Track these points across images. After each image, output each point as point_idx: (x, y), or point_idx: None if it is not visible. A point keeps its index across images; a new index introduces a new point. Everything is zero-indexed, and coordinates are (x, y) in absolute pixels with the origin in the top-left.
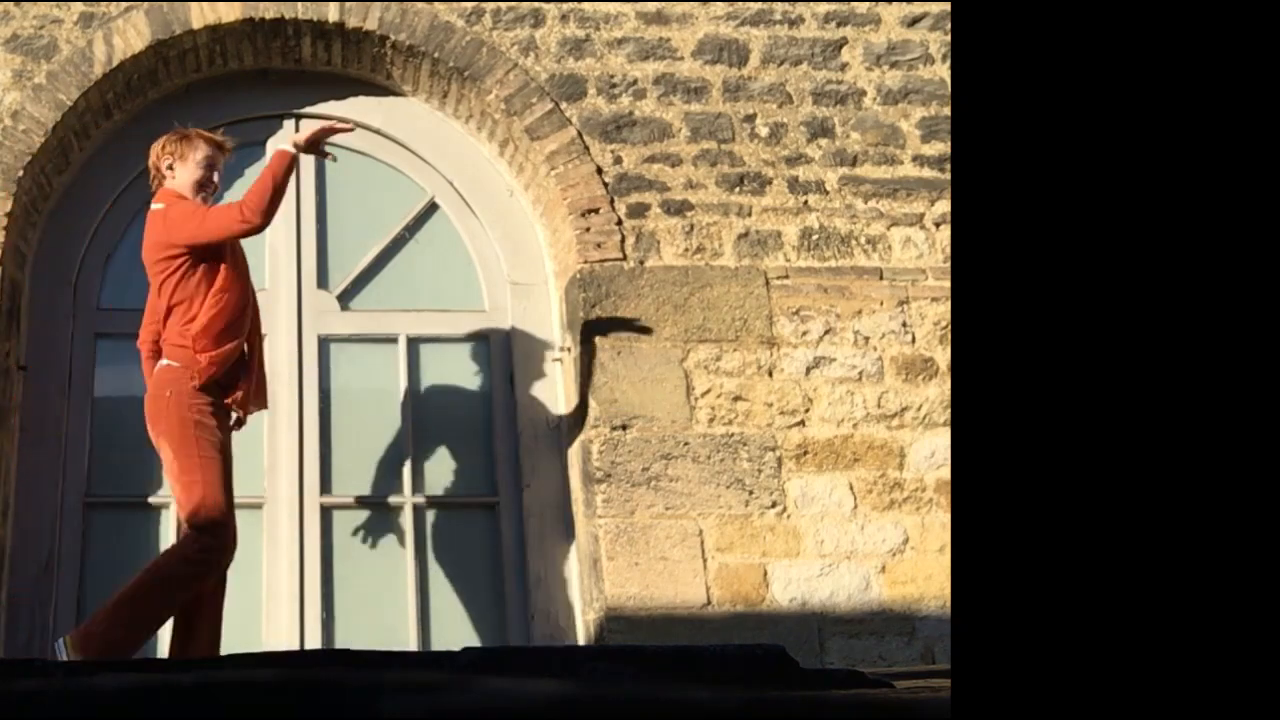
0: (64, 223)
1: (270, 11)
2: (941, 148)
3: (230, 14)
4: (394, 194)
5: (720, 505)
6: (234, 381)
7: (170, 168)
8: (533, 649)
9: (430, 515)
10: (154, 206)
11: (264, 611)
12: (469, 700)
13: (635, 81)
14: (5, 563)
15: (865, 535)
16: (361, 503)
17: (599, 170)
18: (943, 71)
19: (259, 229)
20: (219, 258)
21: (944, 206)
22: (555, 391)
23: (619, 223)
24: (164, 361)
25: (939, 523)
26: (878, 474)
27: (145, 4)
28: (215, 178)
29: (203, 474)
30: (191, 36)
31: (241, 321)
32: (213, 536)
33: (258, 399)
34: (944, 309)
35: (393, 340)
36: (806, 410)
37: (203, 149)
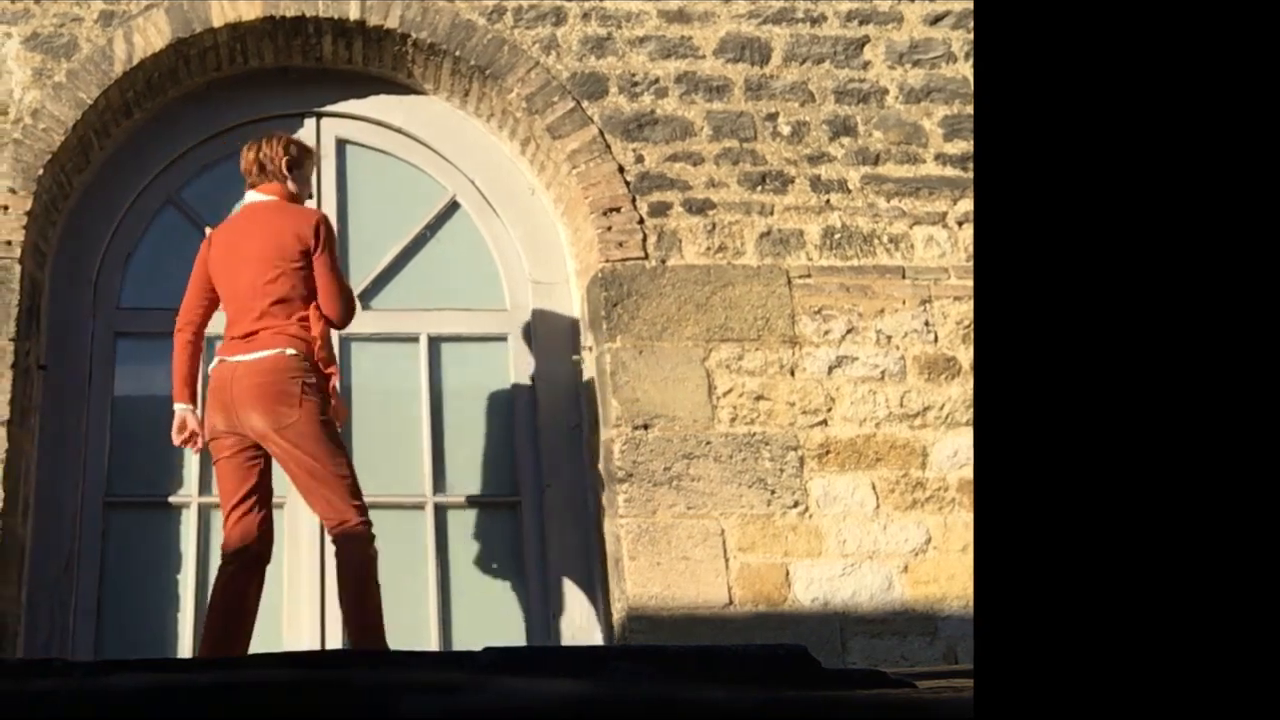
0: (84, 222)
1: (291, 9)
2: (964, 146)
3: (251, 12)
4: (415, 193)
5: (742, 505)
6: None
7: (292, 171)
8: (554, 649)
9: (451, 515)
10: (286, 202)
11: (285, 611)
12: (487, 700)
13: (657, 80)
14: (25, 562)
15: (888, 535)
16: (382, 502)
17: (621, 169)
18: (965, 70)
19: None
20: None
21: (966, 205)
22: (577, 391)
23: (641, 221)
24: (282, 350)
25: (961, 522)
26: (900, 473)
27: (166, 2)
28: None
29: (346, 458)
30: (212, 35)
31: None
32: (367, 515)
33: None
34: (966, 308)
35: (414, 339)
36: (829, 410)
37: (313, 170)
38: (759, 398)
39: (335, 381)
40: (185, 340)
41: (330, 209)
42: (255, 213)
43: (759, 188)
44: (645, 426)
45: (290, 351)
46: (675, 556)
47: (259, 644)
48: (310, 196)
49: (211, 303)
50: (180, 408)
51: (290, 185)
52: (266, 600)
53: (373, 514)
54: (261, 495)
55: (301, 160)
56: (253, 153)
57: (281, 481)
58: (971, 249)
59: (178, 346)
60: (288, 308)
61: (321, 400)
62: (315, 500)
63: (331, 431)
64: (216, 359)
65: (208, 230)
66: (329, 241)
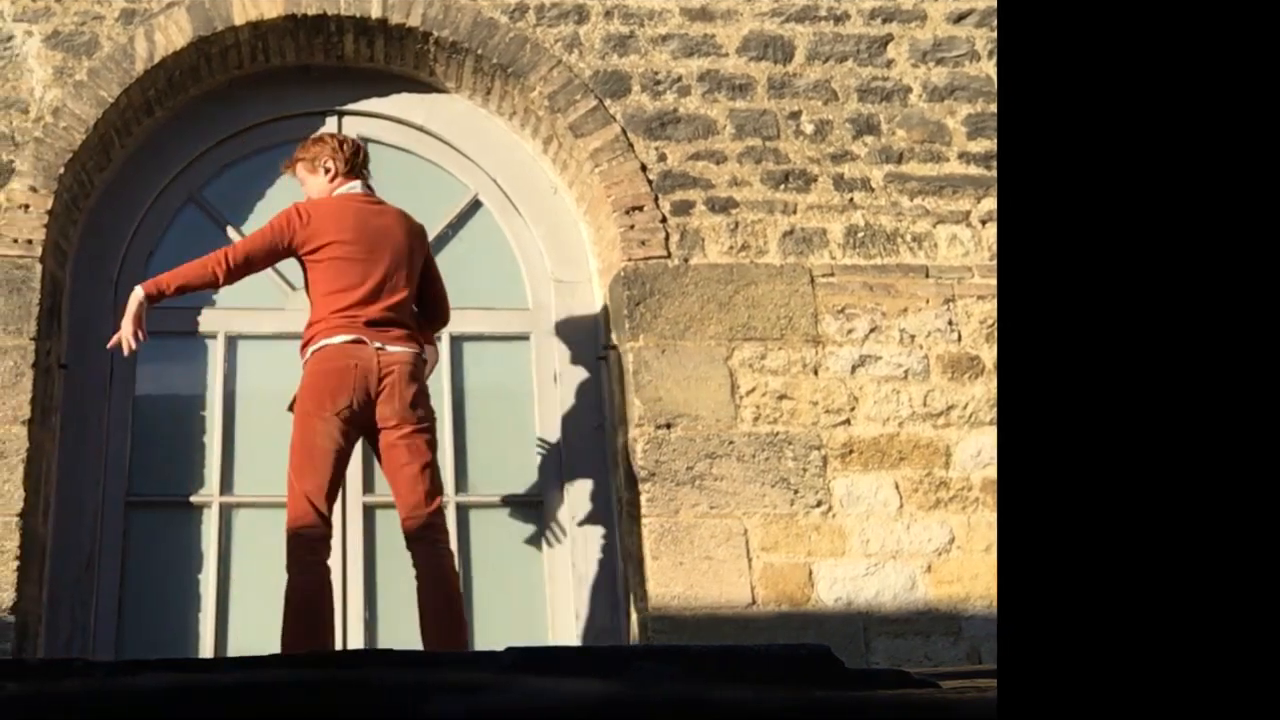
0: (105, 220)
1: (313, 8)
2: (988, 145)
3: (272, 10)
4: (437, 191)
5: (765, 504)
6: None
7: (331, 171)
8: (576, 649)
9: (474, 514)
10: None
11: None
12: (511, 700)
13: (680, 78)
14: (46, 562)
15: (911, 535)
16: None
17: (643, 167)
18: (989, 68)
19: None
20: None
21: (990, 204)
22: (599, 390)
23: (663, 220)
24: (420, 352)
25: (985, 522)
26: (923, 473)
27: (187, 0)
28: None
29: None
30: (233, 33)
31: None
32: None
33: None
34: (990, 307)
35: (436, 338)
36: (852, 409)
37: None
38: (782, 397)
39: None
40: (220, 269)
41: None
42: (373, 205)
43: (782, 186)
44: (668, 426)
45: (424, 357)
46: (698, 556)
47: (277, 645)
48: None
49: (260, 267)
50: (141, 293)
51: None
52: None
53: (394, 513)
54: None
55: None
56: (351, 148)
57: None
58: (995, 248)
59: (210, 263)
60: (410, 312)
61: None
62: (417, 493)
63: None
64: (347, 336)
65: (307, 213)
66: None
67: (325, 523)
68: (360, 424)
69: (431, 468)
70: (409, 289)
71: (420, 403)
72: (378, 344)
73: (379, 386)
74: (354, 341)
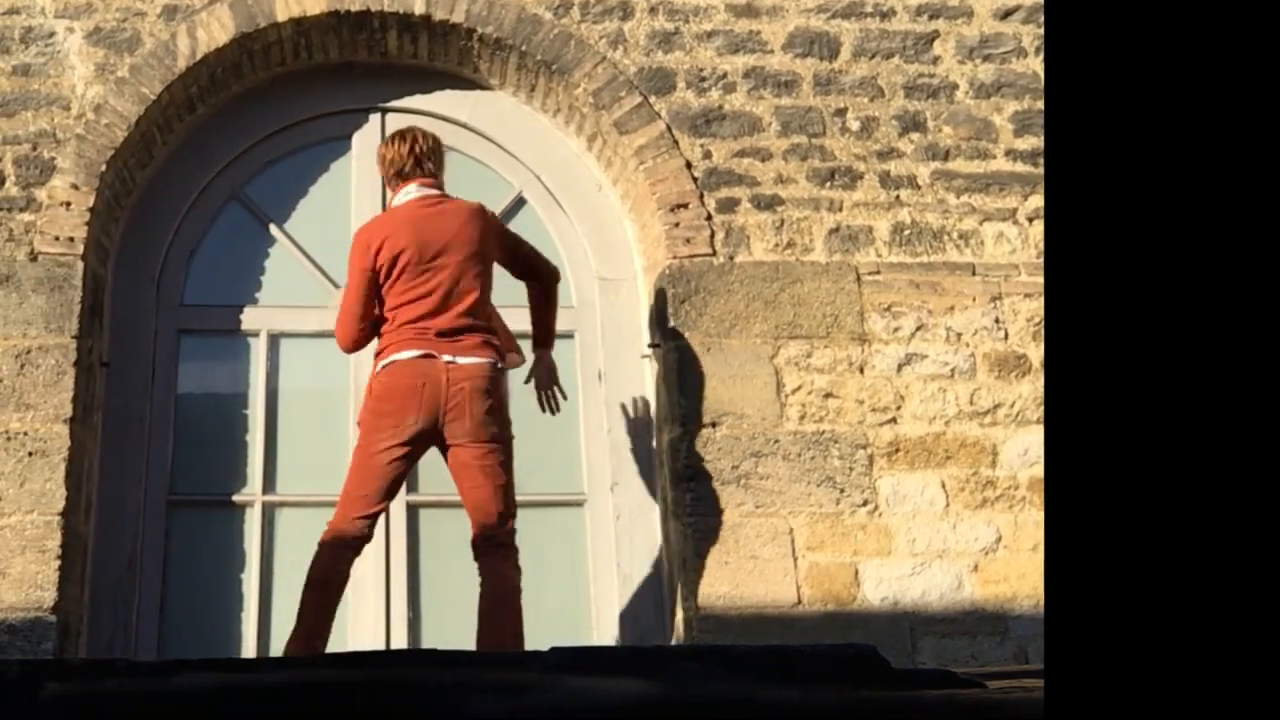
0: (147, 218)
1: (356, 4)
2: (1035, 142)
3: (315, 7)
4: (481, 189)
5: (811, 503)
6: None
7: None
8: (620, 649)
9: (518, 514)
10: (452, 197)
11: (350, 611)
12: (554, 700)
13: (725, 75)
14: (87, 561)
15: (957, 534)
16: (448, 501)
17: (688, 165)
18: (1036, 65)
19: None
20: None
21: (1037, 201)
22: (644, 388)
23: (708, 218)
24: (493, 361)
25: (1032, 521)
26: (970, 472)
27: None
28: None
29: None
30: (276, 29)
31: None
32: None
33: None
34: (1037, 305)
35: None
36: (898, 407)
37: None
38: (828, 395)
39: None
40: (351, 342)
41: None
42: (432, 207)
43: (828, 184)
44: (713, 424)
45: (499, 365)
46: (743, 556)
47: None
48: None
49: (374, 308)
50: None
51: (443, 177)
52: None
53: (440, 514)
54: None
55: (442, 151)
56: (403, 146)
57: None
58: (1042, 246)
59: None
60: (484, 311)
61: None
62: (490, 515)
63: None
64: (416, 351)
65: (370, 240)
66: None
67: (363, 531)
68: (428, 439)
69: (505, 489)
70: (479, 287)
71: (494, 419)
72: (448, 357)
73: (449, 404)
74: (424, 356)
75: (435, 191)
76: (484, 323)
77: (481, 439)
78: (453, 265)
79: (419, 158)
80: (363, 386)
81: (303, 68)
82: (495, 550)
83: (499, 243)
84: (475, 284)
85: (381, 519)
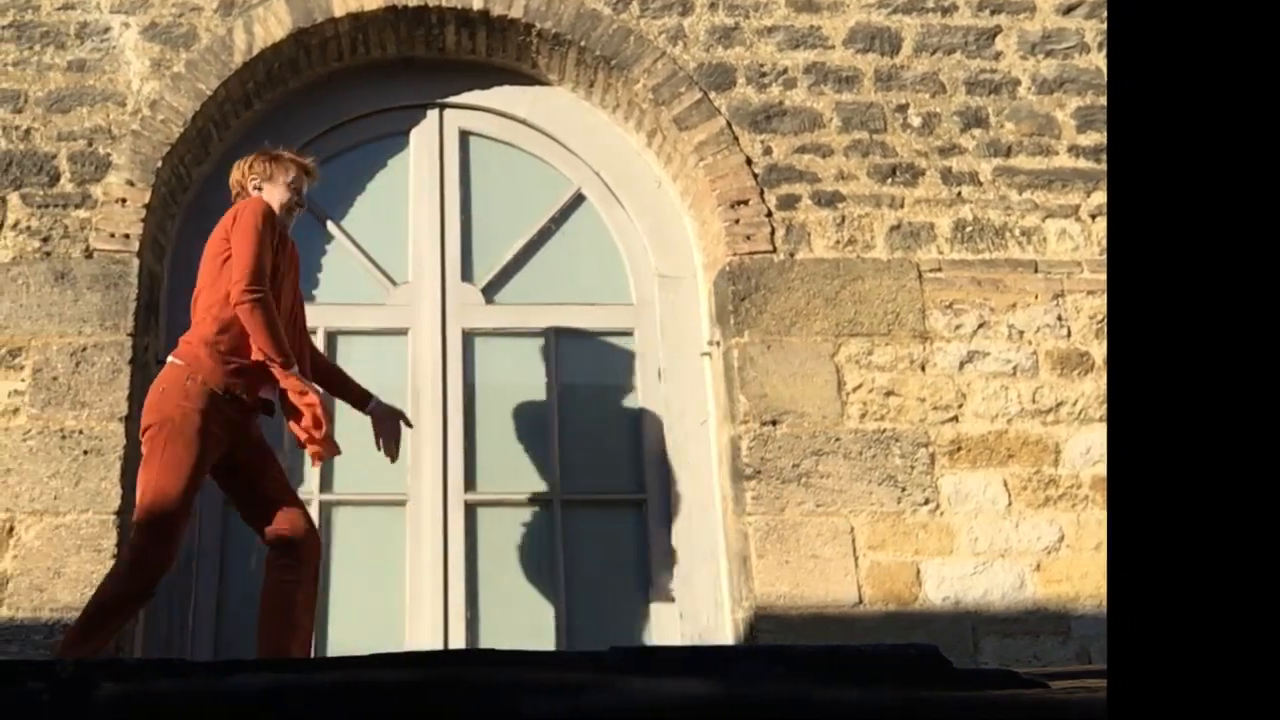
0: (203, 214)
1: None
2: (1097, 138)
3: (373, 2)
4: (540, 185)
5: (872, 502)
6: (257, 401)
7: (258, 188)
8: (680, 649)
9: (576, 513)
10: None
11: (407, 611)
12: (611, 700)
13: (785, 70)
14: None
15: (1020, 533)
16: (506, 500)
17: (748, 161)
18: (1099, 60)
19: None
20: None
21: (1100, 198)
22: (704, 386)
23: (769, 214)
24: (172, 360)
25: (1095, 520)
26: (1032, 470)
27: None
28: (302, 201)
29: (160, 478)
30: (333, 25)
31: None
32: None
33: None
34: (1100, 302)
35: (538, 334)
36: (960, 405)
37: (291, 171)
38: (889, 393)
39: (215, 377)
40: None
41: (454, 202)
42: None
43: (889, 180)
44: (773, 423)
45: (177, 362)
46: (804, 555)
47: (383, 644)
48: (300, 200)
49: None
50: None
51: (264, 199)
52: (388, 600)
53: (498, 511)
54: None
55: (271, 170)
56: (232, 176)
57: (405, 479)
58: (1105, 242)
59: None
60: (201, 308)
61: (189, 413)
62: None
63: (170, 461)
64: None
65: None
66: (250, 222)
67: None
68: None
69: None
70: (203, 285)
71: (152, 411)
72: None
73: None
74: None
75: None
76: (193, 325)
77: (142, 436)
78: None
79: (235, 194)
80: (421, 384)
81: (360, 63)
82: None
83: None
84: (201, 292)
85: (439, 517)
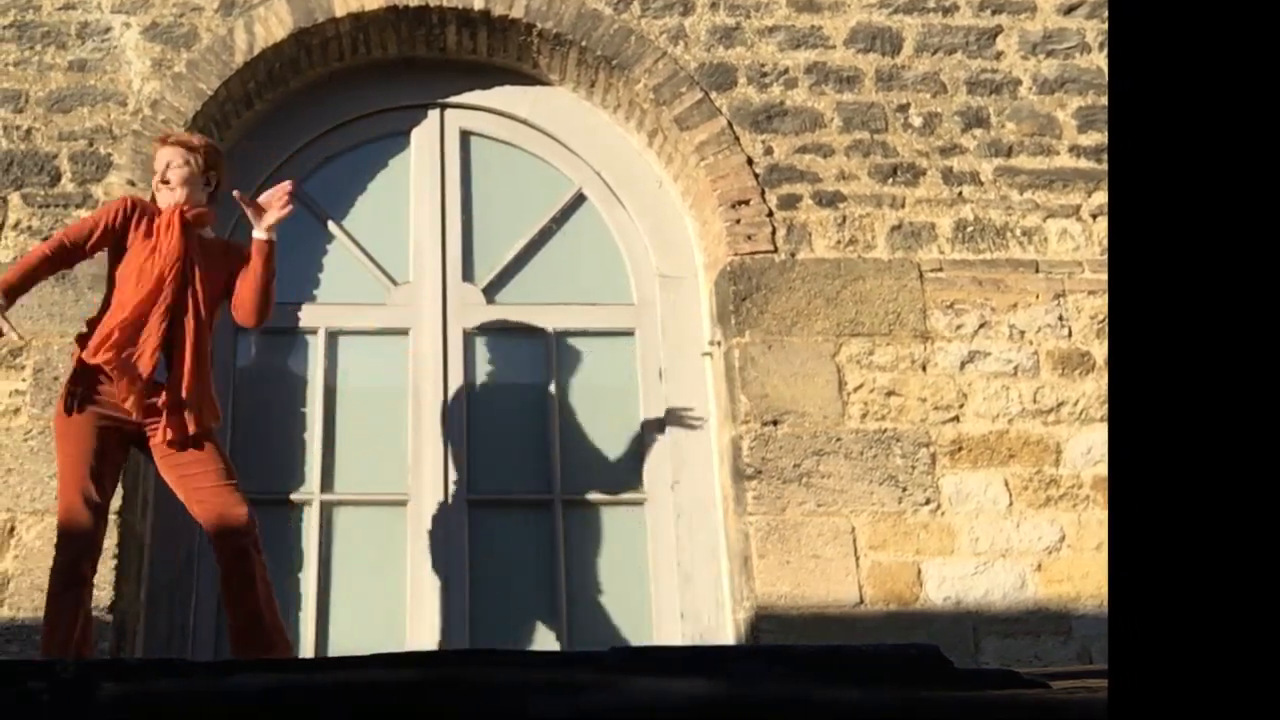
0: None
1: None
2: (1098, 138)
3: (373, 2)
4: (541, 185)
5: (873, 502)
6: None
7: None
8: (681, 649)
9: (577, 513)
10: None
11: (407, 611)
12: (614, 700)
13: (786, 70)
14: (144, 560)
15: (1021, 533)
16: (506, 500)
17: (749, 161)
18: (1100, 60)
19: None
20: (119, 255)
21: (1101, 198)
22: (704, 386)
23: (770, 214)
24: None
25: (1096, 520)
26: (1033, 470)
27: None
28: (167, 174)
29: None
30: (334, 25)
31: (126, 327)
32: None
33: (171, 417)
34: (1101, 302)
35: (539, 334)
36: (961, 405)
37: (160, 153)
38: (890, 393)
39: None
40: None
41: (454, 202)
42: None
43: (890, 180)
44: (774, 423)
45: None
46: (805, 555)
47: (384, 644)
48: (166, 182)
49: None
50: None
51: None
52: (389, 600)
53: (499, 512)
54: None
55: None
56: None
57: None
58: (1106, 242)
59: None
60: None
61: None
62: None
63: (63, 444)
64: None
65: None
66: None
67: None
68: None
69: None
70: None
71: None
72: None
73: None
74: None
75: None
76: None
77: None
78: None
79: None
80: (422, 384)
81: (361, 63)
82: None
83: None
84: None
85: (442, 519)
